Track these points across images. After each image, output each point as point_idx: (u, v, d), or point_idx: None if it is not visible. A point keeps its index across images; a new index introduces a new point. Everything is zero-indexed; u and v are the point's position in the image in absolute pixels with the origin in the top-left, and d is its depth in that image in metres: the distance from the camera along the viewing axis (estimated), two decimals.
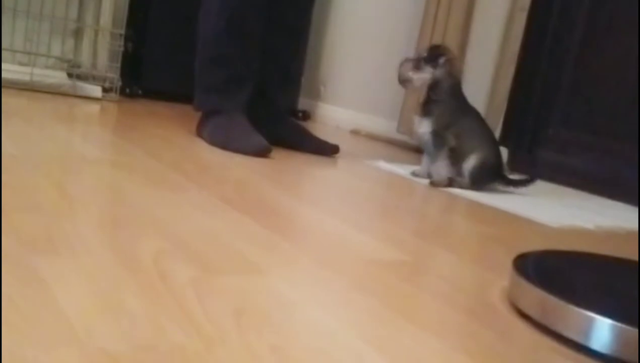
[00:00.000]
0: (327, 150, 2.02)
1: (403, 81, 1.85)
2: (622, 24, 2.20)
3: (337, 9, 3.34)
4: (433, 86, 1.79)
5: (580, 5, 2.35)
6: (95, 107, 2.35)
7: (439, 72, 1.78)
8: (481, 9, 2.40)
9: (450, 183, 1.76)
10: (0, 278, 0.62)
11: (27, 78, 2.42)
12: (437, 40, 2.53)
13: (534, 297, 0.76)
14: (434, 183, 1.77)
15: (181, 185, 1.23)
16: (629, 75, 2.14)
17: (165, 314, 0.61)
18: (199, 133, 1.94)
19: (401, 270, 0.90)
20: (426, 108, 1.81)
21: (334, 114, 3.24)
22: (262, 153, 1.76)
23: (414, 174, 1.86)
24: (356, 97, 3.14)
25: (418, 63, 1.80)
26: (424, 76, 1.79)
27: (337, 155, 2.03)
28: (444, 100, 1.79)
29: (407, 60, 1.85)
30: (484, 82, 2.42)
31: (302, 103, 3.31)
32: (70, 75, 2.61)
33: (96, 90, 2.56)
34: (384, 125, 2.87)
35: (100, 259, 0.74)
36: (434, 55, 1.80)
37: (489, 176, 1.78)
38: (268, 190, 1.34)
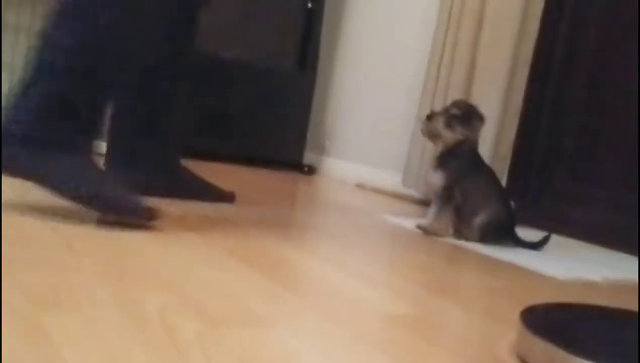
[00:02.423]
0: (226, 197, 1.86)
1: (432, 136, 1.83)
2: (626, 73, 2.23)
3: (341, 66, 3.40)
4: (459, 145, 1.80)
5: (582, 57, 2.39)
6: (100, 163, 2.36)
7: (471, 134, 1.80)
8: (483, 62, 2.44)
9: (443, 233, 1.76)
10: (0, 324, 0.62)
11: None
12: (440, 94, 2.57)
13: (542, 350, 0.76)
14: (427, 232, 1.78)
15: (186, 238, 1.23)
16: (635, 123, 2.16)
17: None
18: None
19: (408, 323, 0.90)
20: (441, 160, 1.81)
21: (339, 168, 3.26)
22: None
23: (419, 227, 1.86)
24: (361, 150, 3.16)
25: (450, 120, 1.79)
26: (456, 136, 1.78)
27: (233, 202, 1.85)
28: (461, 157, 1.80)
29: (435, 114, 1.83)
30: (488, 134, 2.44)
31: (308, 157, 3.33)
32: None
33: (102, 147, 2.58)
34: (389, 179, 2.88)
35: (106, 314, 0.74)
36: (467, 115, 1.79)
37: (498, 233, 1.78)
38: (273, 243, 1.34)
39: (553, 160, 2.42)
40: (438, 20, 2.65)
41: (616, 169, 2.21)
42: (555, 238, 1.83)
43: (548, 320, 0.90)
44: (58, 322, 0.68)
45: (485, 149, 2.36)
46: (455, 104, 1.85)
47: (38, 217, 1.21)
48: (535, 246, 1.79)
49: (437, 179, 1.80)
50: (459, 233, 1.79)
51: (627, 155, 2.16)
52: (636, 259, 1.94)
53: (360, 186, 3.00)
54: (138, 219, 1.27)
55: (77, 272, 0.89)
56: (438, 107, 2.50)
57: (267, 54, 3.21)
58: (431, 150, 2.52)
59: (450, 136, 1.79)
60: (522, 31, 2.40)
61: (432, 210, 1.85)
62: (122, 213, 1.27)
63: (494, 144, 2.41)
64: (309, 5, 3.25)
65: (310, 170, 3.28)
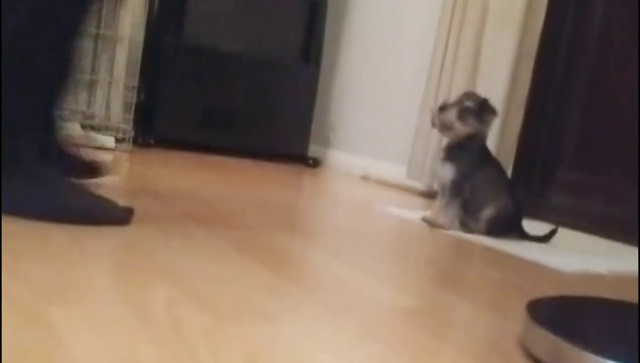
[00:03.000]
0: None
1: (444, 128, 1.80)
2: (629, 65, 2.22)
3: (345, 58, 3.39)
4: (471, 137, 1.78)
5: (586, 49, 2.38)
6: (108, 157, 2.37)
7: (483, 128, 1.78)
8: (488, 55, 2.43)
9: (449, 226, 1.76)
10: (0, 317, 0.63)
11: None
12: (444, 86, 2.56)
13: (548, 343, 0.75)
14: (433, 224, 1.78)
15: (192, 233, 1.23)
16: (637, 116, 2.15)
17: None
18: None
19: (413, 316, 0.90)
20: (452, 153, 1.79)
21: (344, 161, 3.26)
22: None
23: (425, 219, 1.86)
24: (366, 143, 3.16)
25: (463, 113, 1.75)
26: (468, 129, 1.76)
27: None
28: (472, 150, 1.79)
29: (448, 105, 1.80)
30: (493, 127, 2.43)
31: (312, 150, 3.33)
32: (83, 127, 2.65)
33: (109, 141, 2.59)
34: (394, 171, 2.88)
35: (112, 308, 0.74)
36: (480, 108, 1.76)
37: (505, 227, 1.77)
38: (279, 237, 1.34)
39: (558, 153, 2.42)
40: (442, 12, 2.64)
41: (621, 161, 2.20)
42: (560, 231, 1.82)
43: (554, 312, 0.90)
44: (64, 316, 0.68)
45: (490, 142, 2.35)
46: (468, 96, 1.81)
47: None
48: (542, 239, 1.79)
49: (447, 172, 1.78)
50: (464, 226, 1.78)
51: (633, 147, 2.15)
52: None
53: (365, 178, 3.00)
54: (114, 221, 1.20)
55: (83, 266, 0.90)
56: (441, 99, 2.50)
57: (271, 46, 3.20)
58: (436, 141, 2.51)
59: (463, 129, 1.76)
60: (527, 24, 2.38)
61: (438, 202, 1.84)
62: (97, 220, 1.18)
63: (498, 136, 2.40)
64: None
65: (315, 163, 3.28)
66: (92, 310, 0.72)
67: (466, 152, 1.78)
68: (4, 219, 1.05)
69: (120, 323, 0.69)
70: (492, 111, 1.78)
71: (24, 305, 0.70)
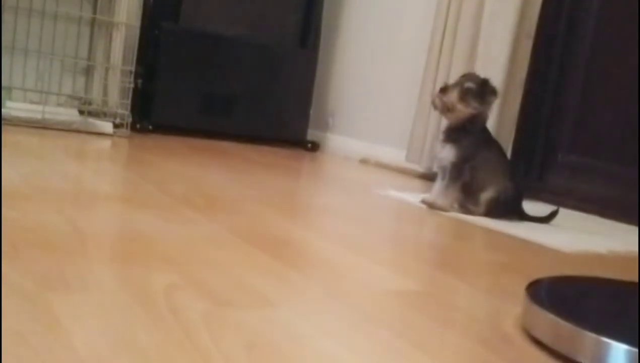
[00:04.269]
0: None
1: (445, 109, 1.78)
2: (628, 48, 2.21)
3: (343, 42, 3.38)
4: (472, 119, 1.77)
5: (585, 30, 2.36)
6: (106, 143, 2.37)
7: (485, 109, 1.77)
8: (486, 37, 2.42)
9: (448, 208, 1.76)
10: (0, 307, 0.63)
11: (39, 116, 2.45)
12: (443, 69, 2.55)
13: (548, 324, 0.76)
14: (432, 206, 1.78)
15: (191, 219, 1.23)
16: (636, 97, 2.14)
17: (177, 349, 0.61)
18: None
19: (414, 300, 0.90)
20: (453, 135, 1.78)
21: (343, 145, 3.25)
22: None
23: (424, 201, 1.86)
24: (364, 127, 3.15)
25: (465, 94, 1.74)
26: (470, 111, 1.75)
27: None
28: (473, 132, 1.78)
29: (449, 87, 1.78)
30: (492, 109, 2.43)
31: (311, 134, 3.32)
32: (81, 113, 2.64)
33: (107, 127, 2.58)
34: (393, 154, 2.88)
35: (112, 295, 0.74)
36: (482, 89, 1.75)
37: (505, 209, 1.77)
38: (278, 222, 1.34)
39: (557, 135, 2.41)
40: None
41: (620, 141, 2.19)
42: (559, 211, 1.83)
43: (554, 293, 0.90)
44: (65, 304, 0.68)
45: (489, 124, 2.35)
46: (469, 77, 1.80)
47: (43, 201, 1.21)
48: (543, 220, 1.79)
49: (448, 153, 1.77)
50: (464, 208, 1.78)
51: (631, 127, 2.15)
52: None
53: (364, 162, 3.00)
54: None
55: (83, 254, 0.89)
56: (441, 82, 2.49)
57: (269, 31, 3.19)
58: (435, 124, 2.51)
59: (464, 110, 1.75)
60: (525, 3, 2.37)
61: (438, 184, 1.83)
62: None
63: (498, 118, 2.39)
64: None
65: (314, 147, 3.27)
66: (93, 297, 0.72)
67: (467, 133, 1.77)
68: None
69: (121, 310, 0.69)
70: (493, 92, 1.77)
71: (25, 292, 0.70)
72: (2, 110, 2.36)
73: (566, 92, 2.40)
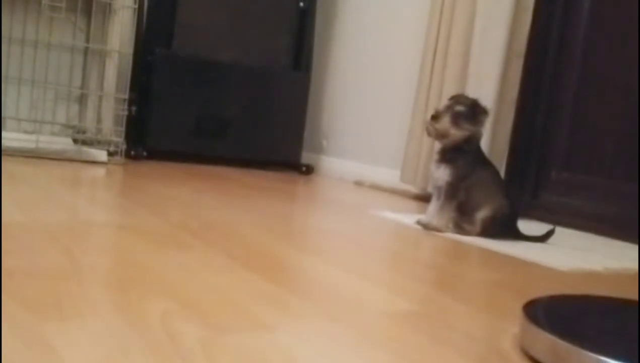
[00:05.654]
0: None
1: (439, 136, 1.79)
2: (620, 64, 2.23)
3: (335, 64, 3.40)
4: (466, 140, 1.78)
5: (575, 48, 2.39)
6: (101, 171, 2.37)
7: (479, 129, 1.79)
8: (477, 56, 2.44)
9: (443, 228, 1.76)
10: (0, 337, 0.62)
11: (32, 145, 2.45)
12: (435, 88, 2.57)
13: (546, 343, 0.75)
14: (427, 227, 1.78)
15: (187, 244, 1.23)
16: (628, 113, 2.16)
17: None
18: None
19: (411, 321, 0.90)
20: (447, 155, 1.79)
21: (337, 166, 3.26)
22: None
23: (419, 222, 1.86)
24: (358, 148, 3.16)
25: (456, 118, 1.75)
26: (463, 133, 1.76)
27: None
28: (468, 153, 1.79)
29: (440, 113, 1.79)
30: (484, 128, 2.44)
31: (305, 157, 3.33)
32: (75, 141, 2.65)
33: (101, 155, 2.58)
34: (387, 175, 2.88)
35: (108, 322, 0.73)
36: (472, 110, 1.77)
37: (501, 228, 1.77)
38: (275, 246, 1.34)
39: (550, 152, 2.42)
40: (430, 14, 2.65)
41: (613, 158, 2.21)
42: (555, 230, 1.83)
43: (551, 312, 0.90)
44: (60, 331, 0.68)
45: (482, 143, 2.36)
46: (458, 100, 1.81)
47: (37, 229, 1.21)
48: (539, 239, 1.79)
49: (443, 173, 1.78)
50: (459, 228, 1.79)
51: (624, 144, 2.16)
52: (637, 247, 1.94)
53: (359, 184, 3.00)
54: None
55: (77, 280, 0.89)
56: (434, 102, 2.51)
57: (261, 54, 3.21)
58: (428, 144, 2.52)
59: (458, 134, 1.76)
60: (515, 23, 2.39)
61: (433, 205, 1.84)
62: None
63: (491, 137, 2.40)
64: (301, 4, 3.25)
65: (309, 170, 3.28)
66: (88, 323, 0.72)
67: (462, 153, 1.78)
68: None
69: (117, 336, 0.69)
70: (484, 111, 1.79)
71: (18, 320, 0.70)
72: None
73: (558, 110, 2.42)
